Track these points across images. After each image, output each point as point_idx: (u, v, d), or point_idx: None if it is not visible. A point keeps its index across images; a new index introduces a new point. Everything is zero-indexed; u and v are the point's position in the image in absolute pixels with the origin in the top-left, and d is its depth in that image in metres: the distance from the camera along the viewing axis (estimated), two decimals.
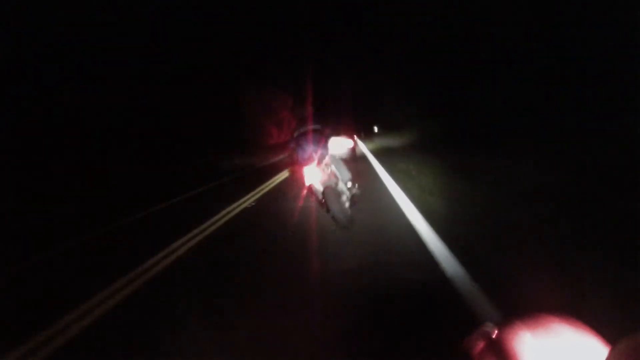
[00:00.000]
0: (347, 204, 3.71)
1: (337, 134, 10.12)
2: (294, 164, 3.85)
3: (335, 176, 3.80)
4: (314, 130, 3.83)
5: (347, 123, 11.20)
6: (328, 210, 3.61)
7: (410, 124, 17.20)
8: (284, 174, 8.53)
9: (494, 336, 0.51)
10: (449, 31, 10.44)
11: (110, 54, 10.98)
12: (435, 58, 12.16)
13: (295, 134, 3.86)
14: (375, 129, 31.58)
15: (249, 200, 5.54)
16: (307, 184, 3.74)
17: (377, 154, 12.65)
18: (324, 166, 3.74)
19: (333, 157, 3.99)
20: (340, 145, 10.14)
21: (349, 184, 3.91)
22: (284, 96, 4.11)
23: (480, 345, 0.52)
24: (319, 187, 3.66)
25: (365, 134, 29.37)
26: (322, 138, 3.84)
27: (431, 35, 12.01)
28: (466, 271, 2.23)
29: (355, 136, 11.39)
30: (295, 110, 4.03)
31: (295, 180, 6.77)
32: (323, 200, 3.61)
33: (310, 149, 3.70)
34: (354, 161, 10.14)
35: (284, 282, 2.46)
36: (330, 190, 3.54)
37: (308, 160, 3.66)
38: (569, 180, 3.95)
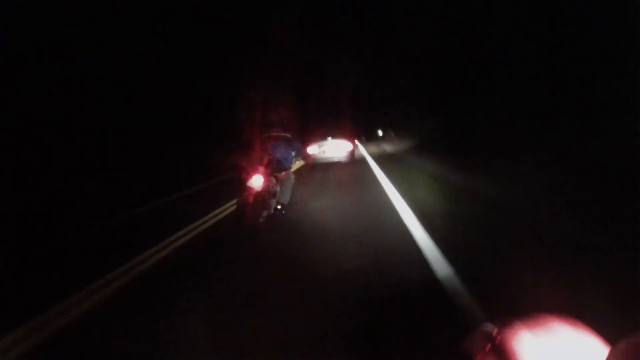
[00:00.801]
0: (260, 219, 3.63)
1: (336, 136, 10.11)
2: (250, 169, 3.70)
3: (274, 193, 3.77)
4: (282, 138, 3.80)
5: (345, 126, 11.10)
6: (241, 207, 3.60)
7: (415, 126, 17.18)
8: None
9: (493, 336, 0.51)
10: (452, 30, 10.48)
11: (108, 53, 11.01)
12: (438, 58, 12.20)
13: (263, 137, 3.84)
14: (380, 132, 30.35)
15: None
16: (250, 185, 3.56)
17: (379, 159, 11.64)
18: (273, 180, 3.70)
19: (288, 178, 3.96)
20: (339, 148, 10.04)
21: (279, 207, 3.90)
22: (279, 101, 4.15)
23: (480, 345, 0.52)
24: (253, 191, 3.57)
25: (368, 138, 28.74)
26: (287, 148, 3.81)
27: (434, 34, 12.06)
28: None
29: (355, 140, 11.26)
30: (271, 114, 4.00)
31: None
32: (248, 203, 3.56)
33: (268, 156, 3.68)
34: (352, 164, 9.94)
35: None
36: (257, 199, 3.52)
37: (261, 168, 3.58)
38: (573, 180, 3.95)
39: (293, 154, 3.98)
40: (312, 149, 9.83)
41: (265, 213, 3.66)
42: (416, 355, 1.50)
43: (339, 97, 22.20)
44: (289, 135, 3.89)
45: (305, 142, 9.43)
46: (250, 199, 3.55)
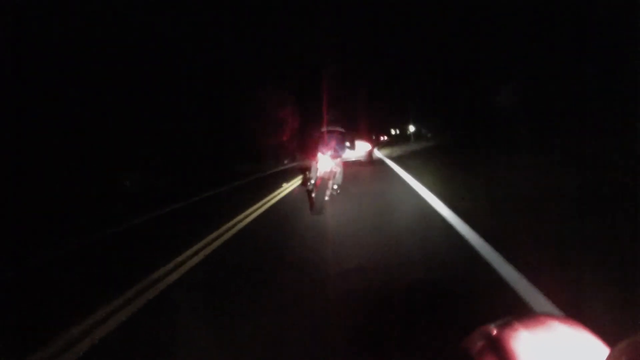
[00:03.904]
0: (326, 197, 4.43)
1: (356, 138, 10.81)
2: (313, 151, 4.76)
3: (333, 175, 4.58)
4: (338, 132, 4.76)
5: (364, 129, 11.95)
6: (310, 193, 4.53)
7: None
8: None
9: (493, 336, 0.50)
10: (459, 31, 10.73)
11: (130, 61, 11.12)
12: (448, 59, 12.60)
13: (323, 129, 4.76)
14: (412, 127, 26.83)
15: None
16: (317, 166, 4.61)
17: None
18: (334, 163, 4.56)
19: (339, 164, 4.80)
20: (358, 148, 10.91)
21: (335, 187, 4.86)
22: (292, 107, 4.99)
23: (480, 345, 0.51)
24: (318, 173, 4.49)
25: (391, 139, 27.50)
26: (342, 139, 4.76)
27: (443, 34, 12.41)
28: None
29: (373, 140, 12.08)
30: (328, 112, 5.03)
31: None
32: (311, 184, 4.54)
33: (331, 144, 4.58)
34: (371, 164, 10.92)
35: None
36: (323, 182, 4.34)
37: (325, 151, 4.54)
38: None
39: (347, 144, 4.99)
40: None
41: (327, 192, 4.44)
42: (416, 355, 1.50)
43: (358, 103, 22.71)
44: (342, 130, 4.82)
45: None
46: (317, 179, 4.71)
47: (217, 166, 14.21)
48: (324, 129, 4.77)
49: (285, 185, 7.38)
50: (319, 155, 4.54)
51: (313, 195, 4.37)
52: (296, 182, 7.92)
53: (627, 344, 0.36)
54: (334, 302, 2.06)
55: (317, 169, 4.54)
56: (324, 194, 4.27)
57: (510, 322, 0.51)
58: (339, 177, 4.83)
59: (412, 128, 25.54)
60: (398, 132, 38.53)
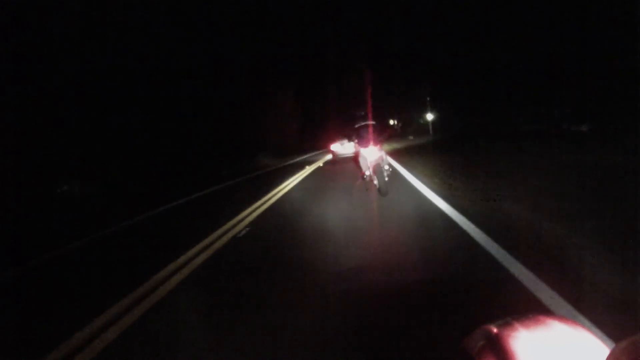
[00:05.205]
0: (386, 179, 5.09)
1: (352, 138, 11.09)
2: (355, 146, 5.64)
3: (382, 159, 5.25)
4: (372, 125, 5.41)
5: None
6: (370, 180, 5.26)
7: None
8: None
9: (493, 336, 0.50)
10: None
11: (144, 66, 10.78)
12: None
13: (356, 126, 5.51)
14: (430, 116, 21.47)
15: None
16: (364, 160, 5.37)
17: None
18: (377, 150, 5.23)
19: (380, 148, 5.48)
20: (348, 146, 11.90)
21: (387, 167, 5.51)
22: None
23: (480, 344, 0.51)
24: (369, 164, 5.19)
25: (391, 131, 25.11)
26: (376, 130, 5.38)
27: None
28: None
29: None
30: (355, 109, 5.80)
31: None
32: (370, 174, 5.26)
33: (369, 136, 5.27)
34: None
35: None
36: (378, 168, 5.01)
37: (366, 144, 5.26)
38: None
39: (387, 133, 6.42)
40: (335, 147, 12.76)
41: (385, 174, 5.12)
42: (416, 355, 1.50)
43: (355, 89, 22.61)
44: (373, 122, 5.48)
45: (331, 142, 13.00)
46: (356, 155, 5.76)
47: (206, 167, 14.14)
48: (358, 125, 5.49)
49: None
50: (369, 147, 5.22)
51: (375, 182, 5.10)
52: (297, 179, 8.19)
53: (627, 344, 0.36)
54: None
55: (367, 160, 5.26)
56: (383, 177, 4.98)
57: (510, 322, 0.51)
58: (386, 158, 5.58)
59: (429, 116, 19.60)
60: (397, 122, 31.62)
